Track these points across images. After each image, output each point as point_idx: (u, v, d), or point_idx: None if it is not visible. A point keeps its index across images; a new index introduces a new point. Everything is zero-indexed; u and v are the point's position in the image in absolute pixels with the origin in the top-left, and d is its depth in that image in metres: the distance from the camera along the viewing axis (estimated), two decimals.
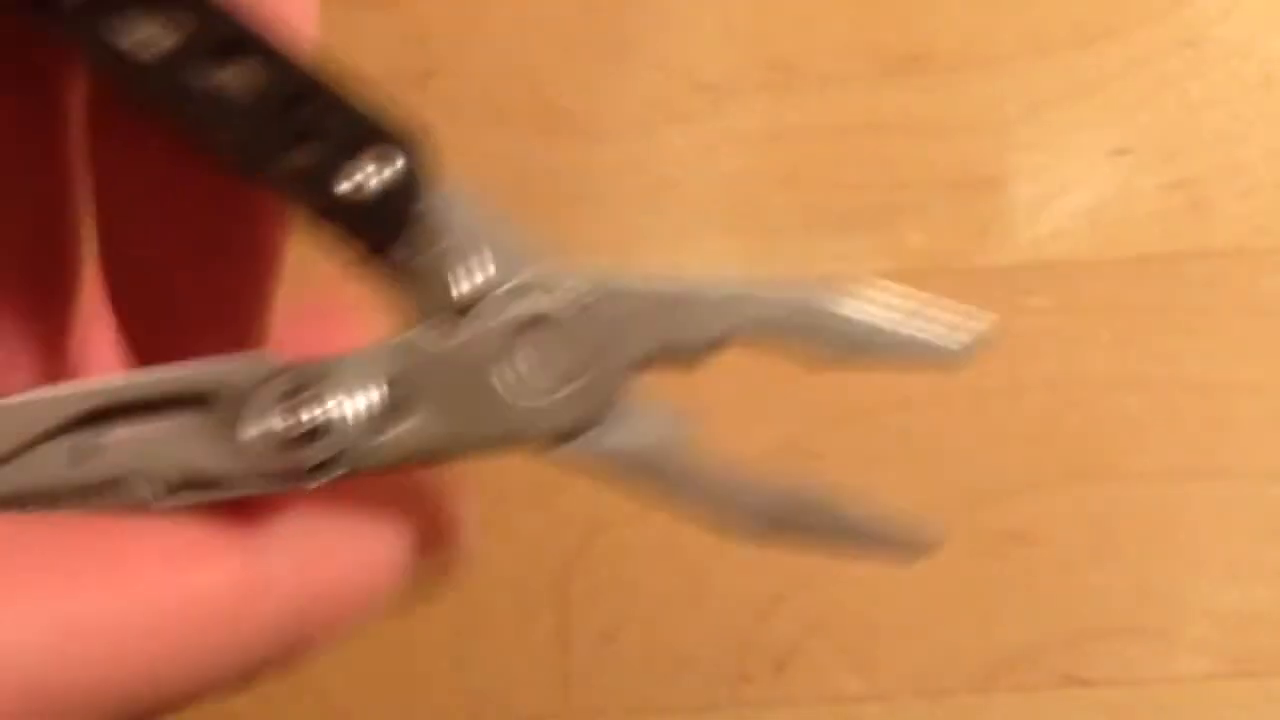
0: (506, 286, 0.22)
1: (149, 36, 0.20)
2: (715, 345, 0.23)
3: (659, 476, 0.23)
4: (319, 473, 0.20)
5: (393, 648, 0.43)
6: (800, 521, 0.23)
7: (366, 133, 0.22)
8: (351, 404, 0.21)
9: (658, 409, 0.23)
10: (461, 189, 0.22)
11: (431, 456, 0.21)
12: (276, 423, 0.20)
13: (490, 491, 0.42)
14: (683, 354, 0.23)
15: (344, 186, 0.21)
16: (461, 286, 0.22)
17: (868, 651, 0.43)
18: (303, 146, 0.21)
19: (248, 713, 0.43)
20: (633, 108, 0.43)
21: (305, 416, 0.20)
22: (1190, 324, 0.43)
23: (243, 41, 0.21)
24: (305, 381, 0.21)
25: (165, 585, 0.19)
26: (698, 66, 0.43)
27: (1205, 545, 0.43)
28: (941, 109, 0.43)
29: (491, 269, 0.22)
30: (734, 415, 0.43)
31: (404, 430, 0.21)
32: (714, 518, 0.23)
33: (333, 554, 0.21)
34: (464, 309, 0.22)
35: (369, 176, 0.22)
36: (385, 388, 0.21)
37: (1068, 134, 0.43)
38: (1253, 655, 0.43)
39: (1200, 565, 0.43)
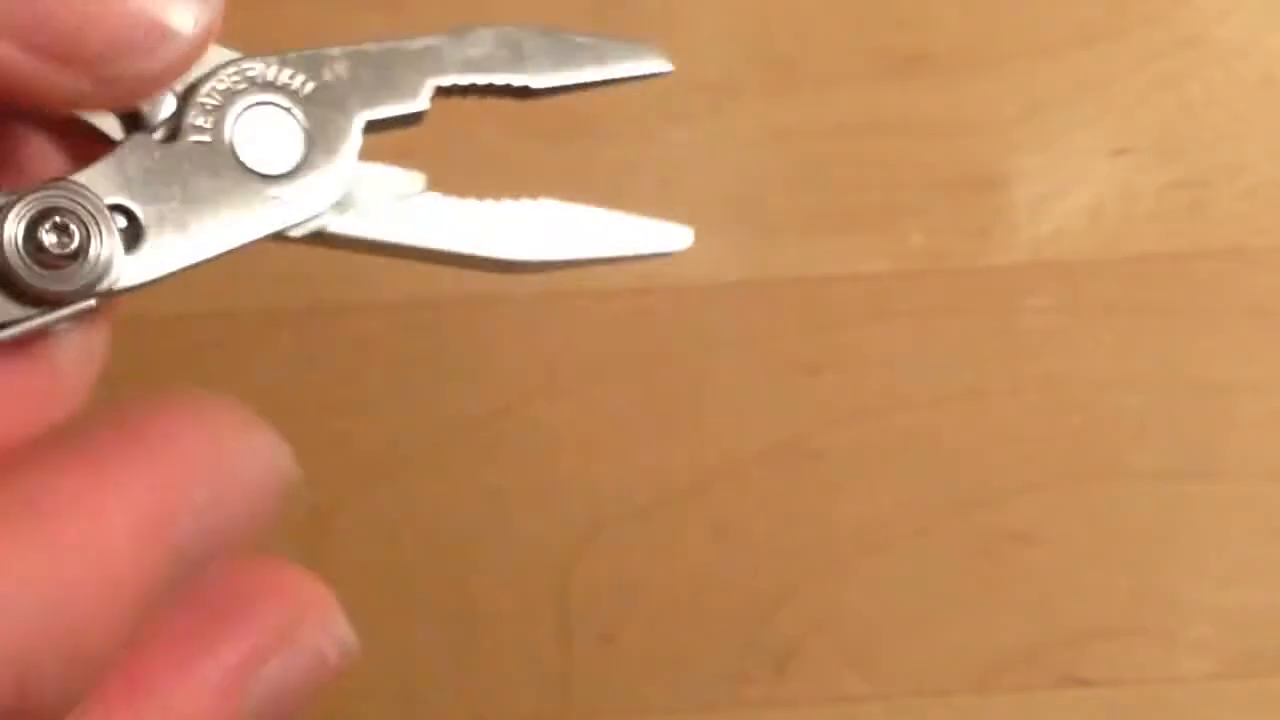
0: (211, 77, 0.22)
1: None
2: (426, 93, 0.24)
3: (405, 235, 0.23)
4: (82, 296, 0.20)
5: (393, 648, 0.43)
6: (553, 238, 0.24)
7: None
8: (100, 219, 0.20)
9: (384, 172, 0.24)
10: None
11: (192, 257, 0.21)
12: (23, 254, 0.20)
13: (491, 490, 0.42)
14: (399, 109, 0.24)
15: None
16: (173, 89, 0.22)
17: (868, 651, 0.43)
18: None
19: None
20: (633, 108, 0.43)
21: (50, 241, 0.20)
22: (1190, 324, 0.43)
23: None
24: (46, 206, 0.20)
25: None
26: (698, 66, 0.43)
27: (1205, 545, 0.43)
28: (941, 109, 0.43)
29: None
30: (734, 415, 0.43)
31: (159, 240, 0.21)
32: (472, 263, 0.23)
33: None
34: (176, 111, 0.22)
35: None
36: (128, 199, 0.21)
37: (1068, 134, 0.43)
38: (1253, 655, 0.43)
39: (1200, 565, 0.43)
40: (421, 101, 0.24)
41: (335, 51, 0.24)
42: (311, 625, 0.21)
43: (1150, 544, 0.43)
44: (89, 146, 0.22)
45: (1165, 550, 0.43)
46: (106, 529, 0.18)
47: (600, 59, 0.26)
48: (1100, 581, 0.43)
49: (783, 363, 0.43)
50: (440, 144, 0.43)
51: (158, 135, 0.21)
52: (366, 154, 0.24)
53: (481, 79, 0.24)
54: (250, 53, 0.23)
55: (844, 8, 0.43)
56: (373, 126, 0.23)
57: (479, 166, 0.43)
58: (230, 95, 0.22)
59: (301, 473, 0.22)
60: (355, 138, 0.23)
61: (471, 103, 0.43)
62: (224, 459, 0.21)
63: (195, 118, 0.22)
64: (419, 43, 0.24)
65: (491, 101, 0.45)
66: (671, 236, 0.25)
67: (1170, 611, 0.43)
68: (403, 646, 0.43)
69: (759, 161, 0.43)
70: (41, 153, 0.22)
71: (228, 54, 0.23)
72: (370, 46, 0.24)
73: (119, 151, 0.21)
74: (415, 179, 0.24)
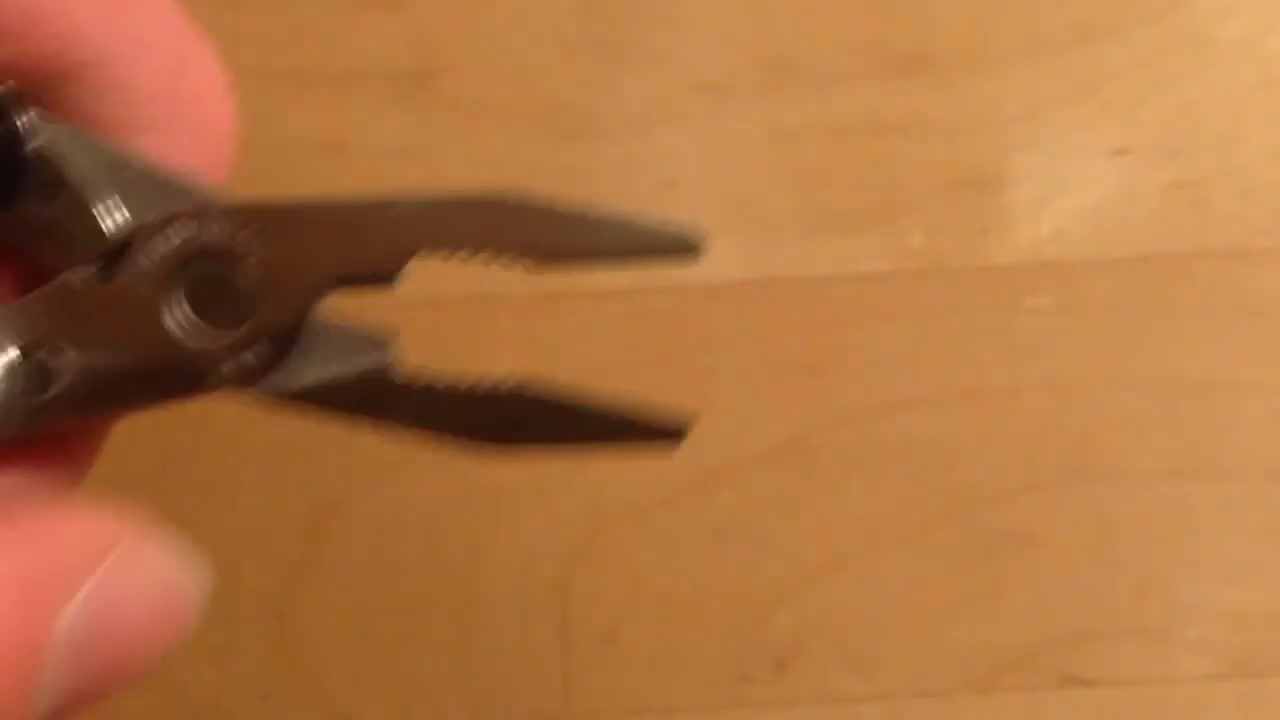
0: (157, 220, 0.21)
1: None
2: (402, 261, 0.21)
3: (367, 406, 0.22)
4: None
5: (393, 648, 0.43)
6: (530, 426, 0.22)
7: None
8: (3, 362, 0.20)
9: (354, 333, 0.22)
10: (64, 129, 0.21)
11: (105, 409, 0.21)
12: None
13: (490, 491, 0.42)
14: (368, 276, 0.21)
15: None
16: (107, 225, 0.21)
17: (868, 651, 0.43)
18: None
19: (246, 713, 0.43)
20: (633, 108, 0.43)
21: None
22: (1190, 324, 0.43)
23: None
24: None
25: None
26: (698, 66, 0.43)
27: (1205, 545, 0.43)
28: (941, 109, 0.43)
29: (129, 207, 0.21)
30: (734, 415, 0.43)
31: (70, 384, 0.20)
32: (433, 439, 0.22)
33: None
34: (112, 252, 0.21)
35: None
36: (34, 343, 0.20)
37: (1068, 134, 0.43)
38: (1253, 655, 0.43)
39: (1200, 565, 0.43)
40: (399, 277, 0.22)
41: (307, 204, 0.21)
42: (129, 545, 0.20)
43: (1150, 544, 0.43)
44: (19, 268, 0.21)
45: (1165, 550, 0.43)
46: None
47: (621, 244, 0.22)
48: (1100, 581, 0.43)
49: (783, 363, 0.43)
50: (440, 143, 0.43)
51: (90, 273, 0.21)
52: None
53: (474, 254, 0.22)
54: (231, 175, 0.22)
55: (844, 8, 0.43)
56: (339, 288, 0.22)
57: (479, 166, 0.43)
58: (181, 255, 0.21)
59: (210, 589, 0.22)
60: (313, 309, 0.21)
61: (469, 101, 0.43)
62: (118, 554, 0.20)
63: (138, 263, 0.21)
64: (403, 205, 0.21)
65: (490, 101, 0.45)
66: (662, 437, 0.23)
67: (1170, 611, 0.43)
68: (403, 646, 0.43)
69: (759, 161, 0.43)
70: None
71: (201, 192, 0.21)
72: (346, 202, 0.21)
73: (48, 290, 0.20)
74: (380, 345, 0.22)
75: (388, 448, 0.42)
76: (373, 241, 0.21)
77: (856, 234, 0.43)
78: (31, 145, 0.20)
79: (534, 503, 0.42)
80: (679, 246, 0.21)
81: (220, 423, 0.42)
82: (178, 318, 0.21)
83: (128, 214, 0.21)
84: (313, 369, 0.21)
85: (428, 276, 0.22)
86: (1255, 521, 0.43)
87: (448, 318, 0.42)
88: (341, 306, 0.22)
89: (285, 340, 0.21)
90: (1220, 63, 0.43)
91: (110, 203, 0.21)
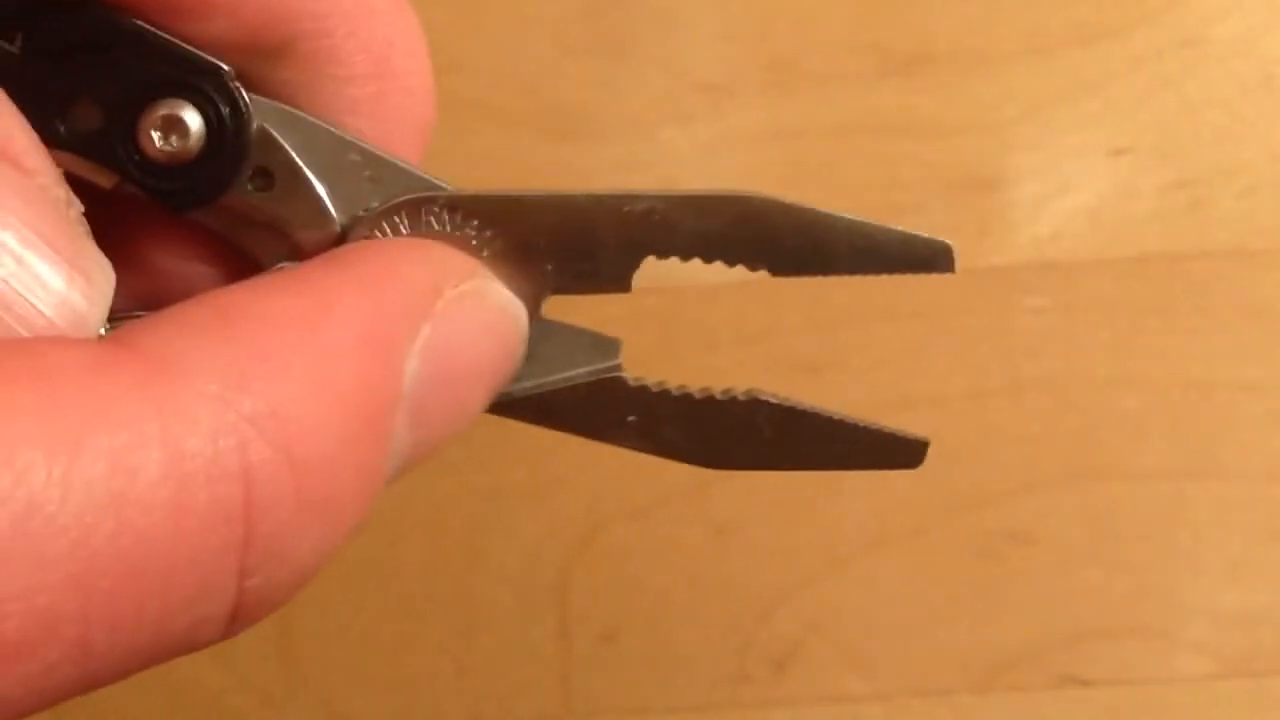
0: (380, 209, 0.20)
1: None
2: (634, 264, 0.21)
3: (594, 411, 0.21)
4: None
5: (393, 648, 0.43)
6: (767, 439, 0.21)
7: (154, 82, 0.19)
8: None
9: (579, 334, 0.21)
10: (282, 110, 0.20)
11: None
12: None
13: (490, 491, 0.42)
14: (597, 276, 0.21)
15: (148, 144, 0.20)
16: (327, 213, 0.20)
17: (868, 651, 0.43)
18: (76, 107, 0.19)
19: (247, 713, 0.43)
20: (633, 108, 0.43)
21: None
22: (1190, 324, 0.43)
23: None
24: None
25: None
26: (698, 66, 0.43)
27: (1205, 545, 0.43)
28: (941, 109, 0.43)
29: (347, 194, 0.20)
30: None
31: None
32: (655, 449, 0.21)
33: None
34: (334, 242, 0.20)
35: (171, 129, 0.20)
36: None
37: (1068, 134, 0.43)
38: (1253, 655, 0.43)
39: (1200, 565, 0.43)
40: (631, 280, 0.21)
41: (536, 197, 0.20)
42: (461, 286, 0.19)
43: (1150, 544, 0.43)
44: (211, 245, 0.21)
45: (1165, 550, 0.43)
46: (325, 341, 0.18)
47: (870, 252, 0.21)
48: (1100, 581, 0.43)
49: (783, 363, 0.43)
50: (440, 144, 0.43)
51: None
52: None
53: (709, 257, 0.21)
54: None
55: (844, 8, 0.43)
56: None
57: (479, 166, 0.43)
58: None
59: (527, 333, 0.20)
60: (536, 312, 0.21)
61: (469, 101, 0.43)
62: (450, 297, 0.19)
63: None
64: (643, 202, 0.20)
65: (490, 101, 0.45)
66: (904, 452, 0.23)
67: (1170, 611, 0.43)
68: (403, 647, 0.43)
69: (759, 161, 0.43)
70: (166, 250, 0.21)
71: (422, 180, 0.21)
72: (577, 195, 0.20)
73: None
74: (608, 349, 0.22)
75: None
76: (603, 241, 0.20)
77: None
78: (252, 128, 0.20)
79: (534, 503, 0.42)
80: (930, 256, 0.21)
81: None
82: None
83: (346, 202, 0.20)
84: (538, 369, 0.21)
85: None
86: (1255, 521, 0.43)
87: None
88: None
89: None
90: (1220, 63, 0.43)
91: (328, 189, 0.20)
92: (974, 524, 0.43)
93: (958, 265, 0.21)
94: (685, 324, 0.42)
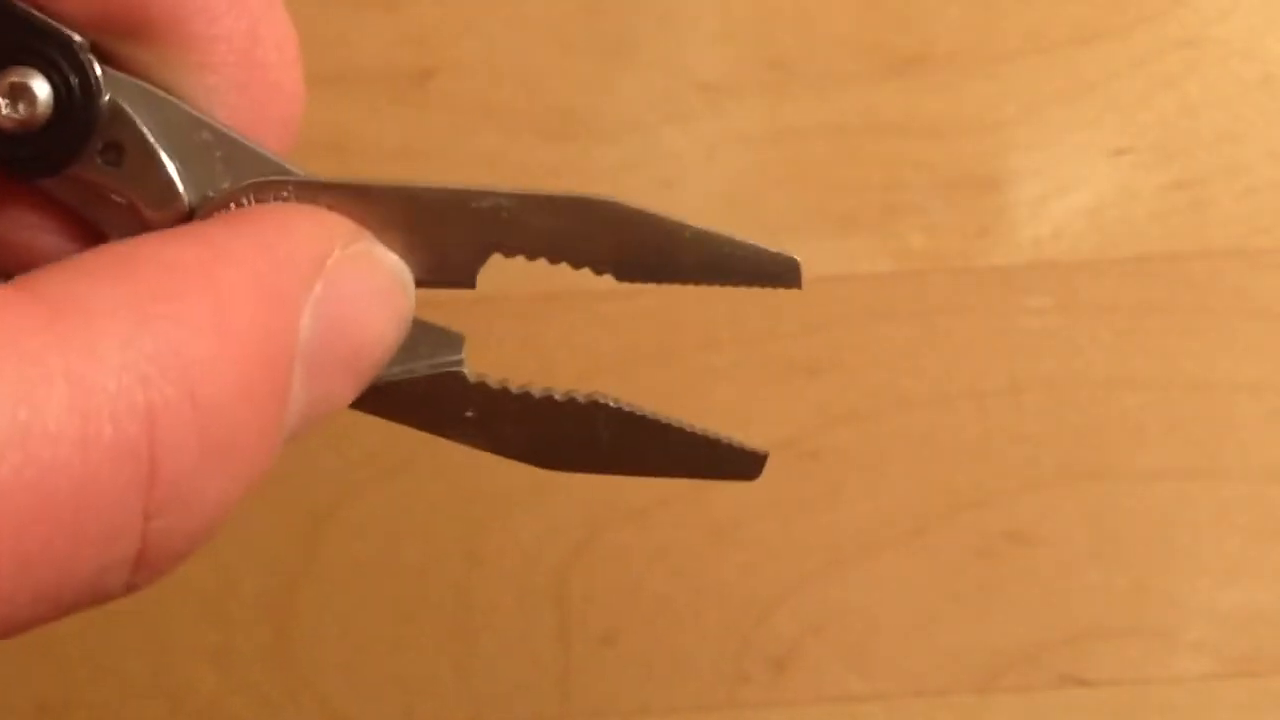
0: (229, 191, 0.20)
1: None
2: (479, 261, 0.21)
3: (432, 406, 0.21)
4: None
5: (392, 650, 0.43)
6: (604, 443, 0.21)
7: (2, 49, 0.19)
8: None
9: (424, 329, 0.21)
10: (137, 85, 0.20)
11: None
12: None
13: (490, 491, 0.42)
14: (443, 272, 0.21)
15: None
16: (175, 190, 0.20)
17: (868, 651, 0.43)
18: None
19: (245, 715, 0.43)
20: (633, 108, 0.43)
21: None
22: (1190, 324, 0.43)
23: None
24: None
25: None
26: (698, 66, 0.43)
27: (1205, 545, 0.43)
28: (941, 109, 0.43)
29: (199, 174, 0.20)
30: (734, 415, 0.43)
31: None
32: (495, 447, 0.21)
33: None
34: (180, 221, 0.20)
35: (18, 96, 0.20)
36: None
37: (1068, 134, 0.43)
38: (1253, 655, 0.43)
39: (1200, 565, 0.43)
40: (475, 277, 0.21)
41: (386, 187, 0.20)
42: (351, 247, 0.20)
43: (1150, 544, 0.43)
44: (60, 218, 0.21)
45: (1165, 550, 0.43)
46: (223, 287, 0.18)
47: (718, 263, 0.21)
48: (1100, 581, 0.43)
49: (783, 363, 0.43)
50: (440, 144, 0.43)
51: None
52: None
53: (555, 258, 0.20)
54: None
55: (844, 8, 0.43)
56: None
57: (479, 166, 0.43)
58: None
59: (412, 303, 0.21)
60: None
61: (469, 101, 0.43)
62: (340, 257, 0.19)
63: None
64: (491, 199, 0.20)
65: (490, 101, 0.45)
66: (742, 464, 0.22)
67: (1170, 611, 0.43)
68: (401, 649, 0.43)
69: (759, 161, 0.43)
70: (14, 221, 0.21)
71: (274, 164, 0.20)
72: (426, 187, 0.20)
73: None
74: (451, 343, 0.22)
75: (385, 450, 0.42)
76: (450, 236, 0.20)
77: (856, 234, 0.43)
78: (103, 100, 0.20)
79: (533, 504, 0.42)
80: (779, 271, 0.21)
81: None
82: None
83: (197, 181, 0.20)
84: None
85: None
86: (1255, 521, 0.43)
87: (446, 317, 0.42)
88: None
89: None
90: (1220, 63, 0.43)
91: (178, 167, 0.20)
92: (974, 524, 0.43)
93: (804, 282, 0.21)
94: (685, 324, 0.42)
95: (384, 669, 0.43)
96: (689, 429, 0.22)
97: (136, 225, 0.20)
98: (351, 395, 0.20)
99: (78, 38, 0.19)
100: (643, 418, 0.21)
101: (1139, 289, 0.43)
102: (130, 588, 0.18)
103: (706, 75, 0.43)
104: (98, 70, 0.20)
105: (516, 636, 0.43)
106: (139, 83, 0.20)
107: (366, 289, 0.20)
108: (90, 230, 0.21)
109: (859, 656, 0.43)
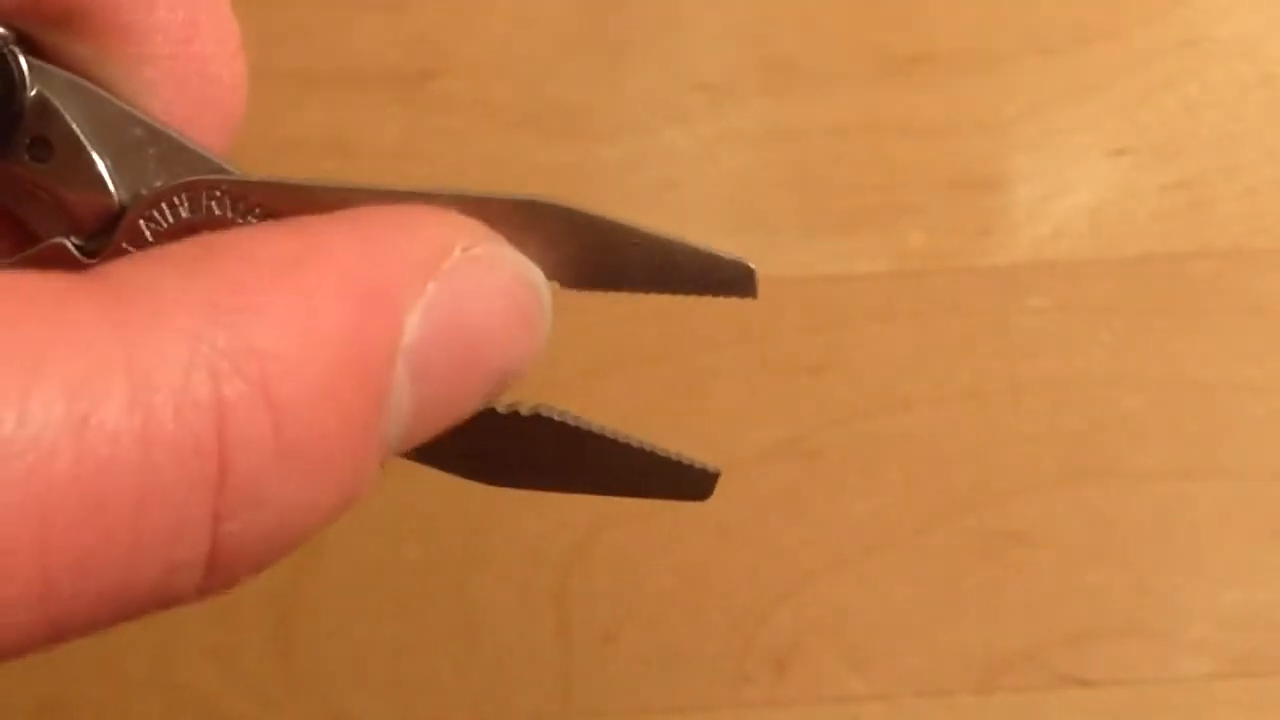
0: (161, 190, 0.19)
1: None
2: None
3: None
4: None
5: (392, 648, 0.43)
6: (547, 457, 0.20)
7: None
8: None
9: None
10: (65, 78, 0.19)
11: None
12: None
13: (490, 491, 0.42)
14: None
15: None
16: (105, 189, 0.19)
17: (868, 651, 0.43)
18: None
19: (247, 715, 0.43)
20: (633, 108, 0.43)
21: None
22: (1190, 324, 0.43)
23: None
24: None
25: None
26: (698, 66, 0.43)
27: (1205, 545, 0.43)
28: (941, 109, 0.43)
29: (130, 171, 0.19)
30: (734, 415, 0.43)
31: None
32: (430, 460, 0.20)
33: None
34: (108, 220, 0.19)
35: None
36: None
37: (1068, 134, 0.43)
38: (1253, 655, 0.43)
39: (1200, 565, 0.43)
40: None
41: (327, 188, 0.19)
42: (473, 249, 0.19)
43: (1150, 544, 0.43)
44: (7, 224, 0.20)
45: (1165, 550, 0.43)
46: (310, 282, 0.17)
47: (669, 270, 0.20)
48: (1100, 581, 0.43)
49: (783, 363, 0.43)
50: (440, 144, 0.43)
51: (77, 244, 0.19)
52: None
53: None
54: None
55: (844, 8, 0.43)
56: None
57: (479, 166, 0.43)
58: (183, 231, 0.19)
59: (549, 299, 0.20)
60: None
61: (469, 101, 0.43)
62: (460, 257, 0.18)
63: (135, 235, 0.19)
64: (434, 200, 0.19)
65: (490, 101, 0.45)
66: (692, 483, 0.21)
67: (1170, 611, 0.43)
68: (403, 647, 0.43)
69: (759, 161, 0.43)
70: None
71: (209, 162, 0.20)
72: (368, 189, 0.19)
73: (29, 257, 0.19)
74: None
75: None
76: None
77: (856, 234, 0.43)
78: (28, 94, 0.19)
79: (534, 503, 0.42)
80: (732, 279, 0.20)
81: None
82: None
83: (128, 178, 0.19)
84: None
85: None
86: (1255, 521, 0.43)
87: None
88: None
89: None
90: (1220, 63, 0.43)
91: (109, 164, 0.19)
92: (974, 524, 0.43)
93: (759, 290, 0.20)
94: (685, 324, 0.42)
95: (384, 668, 0.43)
96: (638, 445, 0.21)
97: (65, 223, 0.20)
98: (477, 401, 0.19)
99: (1, 30, 0.19)
100: (588, 433, 0.21)
101: (1139, 289, 0.43)
102: (204, 592, 0.17)
103: (706, 75, 0.43)
104: (23, 63, 0.19)
105: (517, 636, 0.43)
106: (69, 76, 0.19)
107: (486, 291, 0.19)
108: (17, 226, 0.20)
109: (859, 656, 0.43)
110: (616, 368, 0.43)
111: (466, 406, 0.19)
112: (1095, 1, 0.43)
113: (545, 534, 0.43)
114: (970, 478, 0.43)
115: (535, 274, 0.19)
